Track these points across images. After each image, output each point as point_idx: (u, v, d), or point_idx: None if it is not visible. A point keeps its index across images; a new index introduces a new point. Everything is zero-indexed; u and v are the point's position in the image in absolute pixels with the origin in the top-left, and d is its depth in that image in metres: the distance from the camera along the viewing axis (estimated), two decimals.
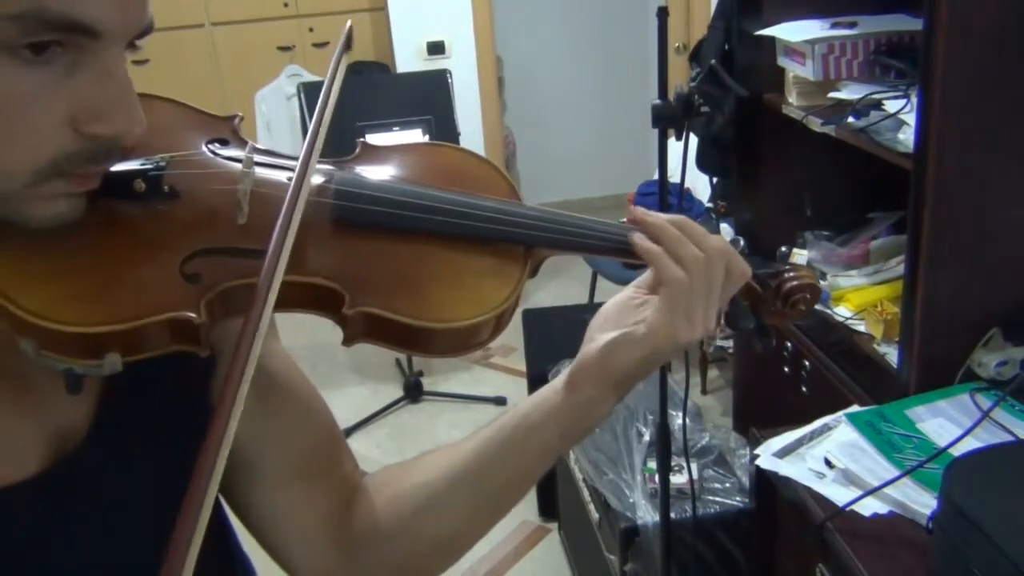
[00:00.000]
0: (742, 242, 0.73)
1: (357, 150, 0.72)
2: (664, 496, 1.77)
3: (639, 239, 0.68)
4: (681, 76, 3.73)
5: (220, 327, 0.61)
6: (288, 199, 0.60)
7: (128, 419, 0.65)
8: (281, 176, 0.65)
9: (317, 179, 0.65)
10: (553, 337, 2.69)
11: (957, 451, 1.33)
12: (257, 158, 0.65)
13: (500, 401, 3.52)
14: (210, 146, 0.66)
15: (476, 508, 0.75)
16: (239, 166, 0.64)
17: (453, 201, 0.67)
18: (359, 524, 0.77)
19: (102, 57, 0.53)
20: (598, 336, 0.71)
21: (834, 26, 2.02)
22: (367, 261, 0.64)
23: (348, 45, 0.70)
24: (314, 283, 0.62)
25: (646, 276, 0.73)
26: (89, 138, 0.54)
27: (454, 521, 0.75)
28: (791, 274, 0.75)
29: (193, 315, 0.57)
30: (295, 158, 0.66)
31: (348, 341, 0.63)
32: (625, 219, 0.70)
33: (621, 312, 0.71)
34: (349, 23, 0.70)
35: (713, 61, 1.75)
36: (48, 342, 0.54)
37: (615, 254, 0.70)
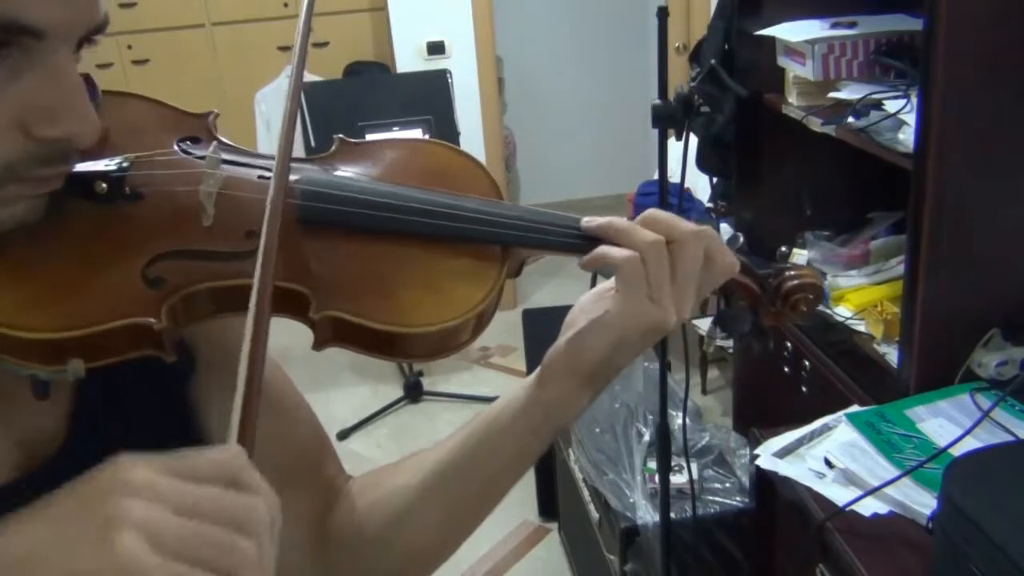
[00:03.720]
0: (741, 239, 0.72)
1: (333, 147, 0.70)
2: (664, 496, 1.77)
3: (586, 222, 0.66)
4: (681, 76, 3.73)
5: (196, 328, 0.60)
6: (270, 202, 0.57)
7: (103, 425, 0.64)
8: (251, 175, 0.63)
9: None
10: (553, 337, 2.66)
11: (957, 451, 1.33)
12: (224, 156, 0.63)
13: None
14: (181, 144, 0.65)
15: (451, 514, 0.73)
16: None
17: (424, 200, 0.65)
18: (339, 530, 0.76)
19: (49, 58, 0.51)
20: (569, 329, 0.69)
21: (834, 26, 2.02)
22: (335, 263, 0.62)
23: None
24: (279, 286, 0.59)
25: None
26: (40, 141, 0.52)
27: (428, 528, 0.74)
28: (792, 272, 0.72)
29: (152, 321, 0.55)
30: (263, 156, 0.64)
31: (318, 346, 0.61)
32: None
33: (597, 304, 0.69)
34: None
35: (713, 61, 1.75)
36: (8, 347, 0.53)
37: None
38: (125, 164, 0.60)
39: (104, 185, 0.59)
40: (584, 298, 0.72)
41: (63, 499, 0.44)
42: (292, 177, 0.63)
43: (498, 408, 0.72)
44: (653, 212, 0.66)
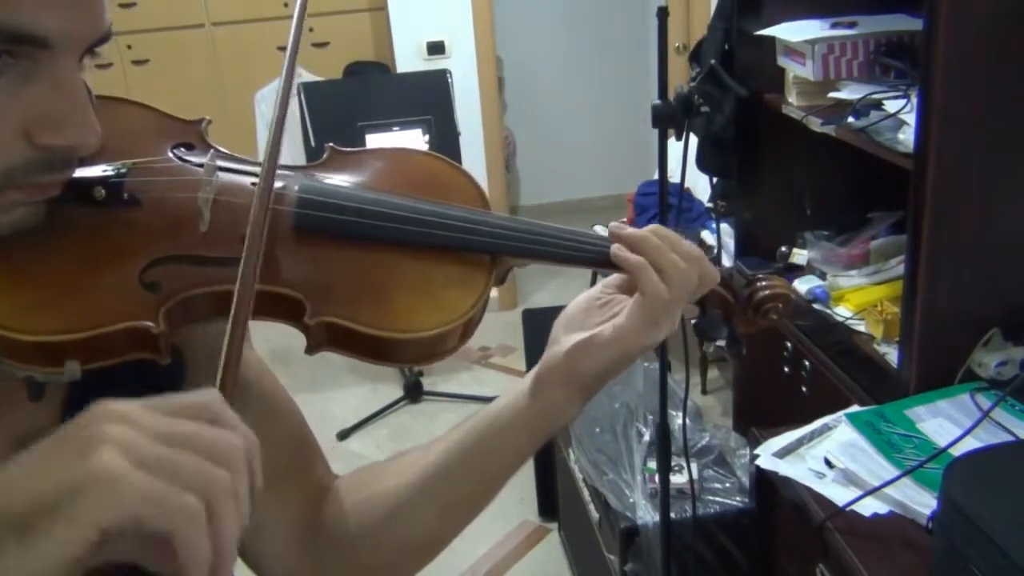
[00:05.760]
0: (714, 251, 0.73)
1: (325, 155, 0.71)
2: (664, 496, 1.77)
3: (618, 249, 0.67)
4: (681, 76, 3.73)
5: (188, 332, 0.60)
6: (255, 207, 0.58)
7: None
8: (245, 182, 0.64)
9: (280, 185, 0.64)
10: None
11: (957, 451, 1.33)
12: (220, 164, 0.64)
13: None
14: (175, 151, 0.65)
15: (445, 512, 0.75)
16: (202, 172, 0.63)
17: (417, 209, 0.66)
18: (328, 528, 0.77)
19: (54, 67, 0.52)
20: (563, 338, 0.70)
21: (834, 26, 2.02)
22: (329, 270, 0.63)
23: None
24: (275, 292, 0.61)
25: (615, 276, 0.72)
26: (43, 149, 0.53)
27: (423, 526, 0.75)
28: (763, 283, 0.75)
29: (151, 324, 0.56)
30: (257, 163, 0.65)
31: (311, 350, 0.62)
32: (611, 230, 0.69)
33: (587, 312, 0.71)
34: None
35: (713, 61, 1.75)
36: (7, 350, 0.54)
37: (583, 264, 0.70)
38: (123, 170, 0.61)
39: (102, 191, 0.59)
40: (572, 307, 0.73)
41: (50, 436, 0.45)
42: (286, 185, 0.65)
43: (495, 410, 0.73)
44: (659, 228, 0.68)
